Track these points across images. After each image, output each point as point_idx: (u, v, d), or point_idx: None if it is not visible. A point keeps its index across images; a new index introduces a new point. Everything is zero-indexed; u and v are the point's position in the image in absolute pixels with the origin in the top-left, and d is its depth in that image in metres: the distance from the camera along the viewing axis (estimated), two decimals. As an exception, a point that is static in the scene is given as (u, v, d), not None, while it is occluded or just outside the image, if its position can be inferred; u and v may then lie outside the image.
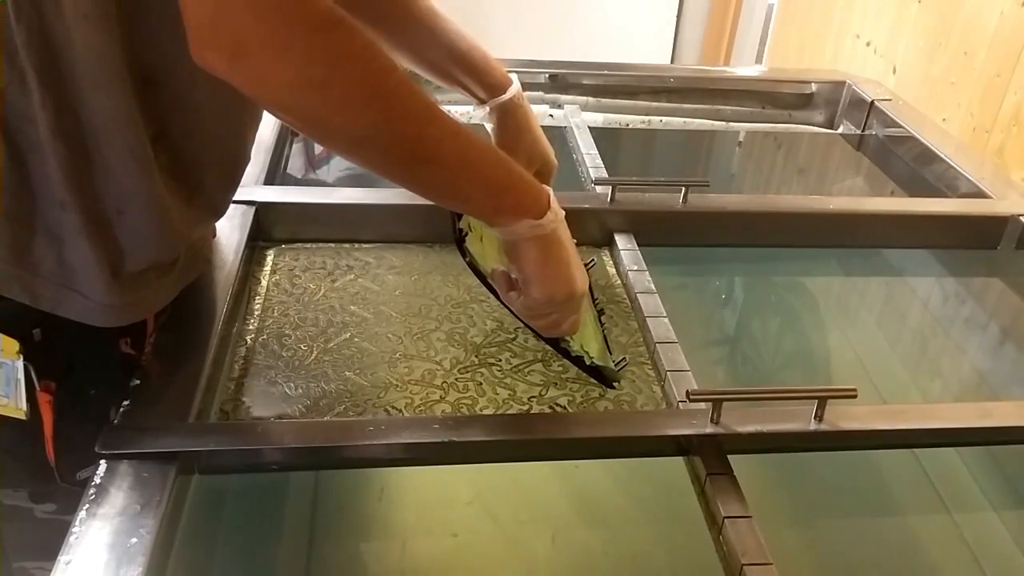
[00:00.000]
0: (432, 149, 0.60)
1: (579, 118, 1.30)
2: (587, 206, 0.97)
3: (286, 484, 0.78)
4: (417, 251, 0.94)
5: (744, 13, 2.76)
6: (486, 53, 0.86)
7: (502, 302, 0.76)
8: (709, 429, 0.67)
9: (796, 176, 1.41)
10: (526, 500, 0.77)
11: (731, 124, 1.43)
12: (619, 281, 0.92)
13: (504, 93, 0.86)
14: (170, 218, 0.66)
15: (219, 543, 0.72)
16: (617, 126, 1.40)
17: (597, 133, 1.24)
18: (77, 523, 0.56)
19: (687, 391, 0.69)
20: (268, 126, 1.09)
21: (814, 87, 1.44)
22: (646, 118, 1.42)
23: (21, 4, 0.55)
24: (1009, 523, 0.82)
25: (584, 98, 1.41)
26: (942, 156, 1.18)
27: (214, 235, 0.83)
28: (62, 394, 0.66)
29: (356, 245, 0.95)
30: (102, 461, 0.61)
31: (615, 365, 0.77)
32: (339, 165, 1.23)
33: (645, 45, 2.97)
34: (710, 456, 0.66)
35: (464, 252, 0.79)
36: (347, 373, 0.76)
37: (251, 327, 0.81)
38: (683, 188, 0.98)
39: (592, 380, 0.76)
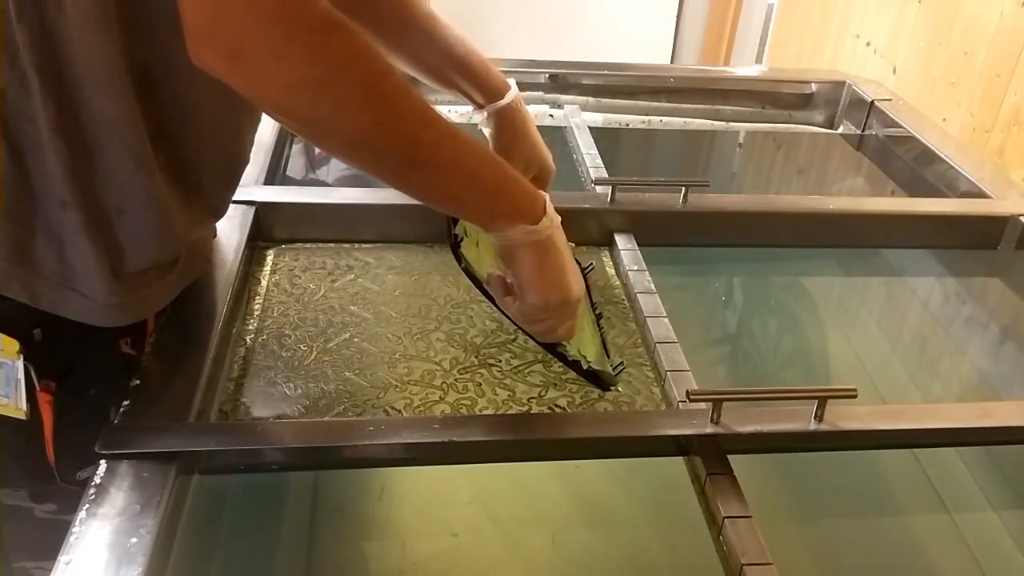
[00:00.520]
0: (428, 153, 0.60)
1: (579, 118, 1.30)
2: (587, 206, 0.97)
3: (286, 484, 0.78)
4: (417, 251, 0.94)
5: (744, 13, 2.76)
6: (484, 58, 0.86)
7: (498, 307, 0.76)
8: (709, 429, 0.67)
9: (796, 176, 1.41)
10: (526, 500, 0.77)
11: (731, 124, 1.43)
12: (619, 281, 0.92)
13: (502, 98, 0.86)
14: (170, 217, 0.66)
15: (219, 543, 0.72)
16: (617, 126, 1.40)
17: (597, 133, 1.24)
18: (77, 523, 0.56)
19: (687, 391, 0.69)
20: (268, 127, 1.09)
21: (814, 87, 1.44)
22: (646, 118, 1.42)
23: (23, 4, 0.55)
24: (1009, 523, 0.82)
25: (584, 98, 1.41)
26: (942, 156, 1.18)
27: (214, 235, 0.83)
28: (62, 394, 0.66)
29: (356, 245, 0.95)
30: (102, 461, 0.61)
31: (613, 369, 0.76)
32: (339, 165, 1.23)
33: (645, 45, 2.97)
34: (710, 456, 0.66)
35: (459, 258, 0.79)
36: (347, 373, 0.76)
37: (251, 327, 0.81)
38: (683, 188, 0.98)
39: (590, 384, 0.76)
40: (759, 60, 2.68)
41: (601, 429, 0.69)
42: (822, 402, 0.68)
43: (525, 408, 0.73)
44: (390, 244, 0.95)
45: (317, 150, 1.27)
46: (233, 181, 0.76)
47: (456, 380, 0.76)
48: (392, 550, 0.74)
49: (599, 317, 0.82)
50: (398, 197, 0.64)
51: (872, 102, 1.36)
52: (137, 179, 0.62)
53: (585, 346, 0.76)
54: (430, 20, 0.84)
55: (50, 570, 0.53)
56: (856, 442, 0.72)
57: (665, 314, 0.83)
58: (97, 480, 0.59)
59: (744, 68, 2.00)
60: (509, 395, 0.75)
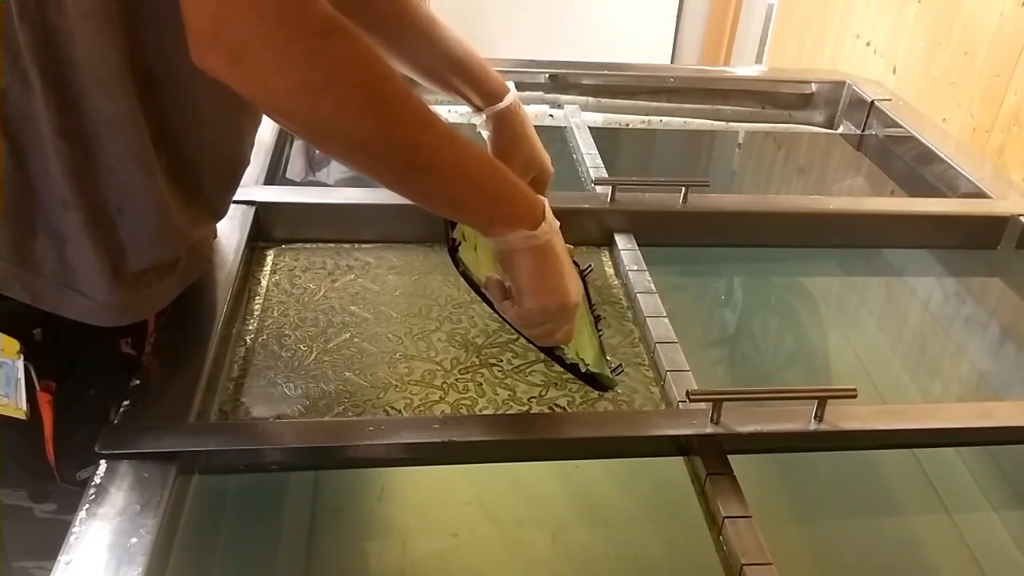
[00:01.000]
0: (428, 157, 0.60)
1: (579, 118, 1.30)
2: (587, 206, 0.97)
3: (286, 484, 0.78)
4: (417, 251, 0.95)
5: (744, 13, 2.76)
6: (483, 61, 0.86)
7: (495, 311, 0.76)
8: (709, 429, 0.67)
9: (796, 176, 1.41)
10: (526, 500, 0.77)
11: (731, 124, 1.43)
12: (618, 281, 0.92)
13: (501, 101, 0.86)
14: (171, 218, 0.66)
15: (219, 543, 0.72)
16: (617, 126, 1.40)
17: (597, 133, 1.24)
18: (77, 523, 0.56)
19: (687, 391, 0.69)
20: (268, 127, 1.09)
21: (814, 87, 1.44)
22: (646, 118, 1.42)
23: (24, 4, 0.55)
24: (1009, 523, 0.82)
25: (584, 98, 1.41)
26: (942, 156, 1.18)
27: (215, 236, 0.83)
28: (62, 394, 0.66)
29: (356, 245, 0.95)
30: (102, 461, 0.61)
31: (611, 372, 0.77)
32: (339, 167, 1.23)
33: (645, 45, 2.97)
34: (710, 456, 0.67)
35: (457, 262, 0.79)
36: (347, 373, 0.76)
37: (251, 327, 0.81)
38: (683, 188, 0.99)
39: (588, 386, 0.76)
40: (759, 60, 2.68)
41: (601, 429, 0.69)
42: (822, 402, 0.68)
43: (525, 408, 0.73)
44: (390, 244, 0.95)
45: (317, 151, 1.27)
46: (234, 182, 0.76)
47: (457, 380, 0.76)
48: (392, 550, 0.74)
49: (597, 319, 0.82)
50: (398, 197, 0.64)
51: (872, 102, 1.36)
52: (138, 179, 0.62)
53: (583, 349, 0.76)
54: (429, 22, 0.84)
55: (50, 570, 0.53)
56: (856, 442, 0.72)
57: (665, 314, 0.83)
58: (97, 480, 0.59)
59: (744, 68, 2.01)
60: (510, 395, 0.75)
